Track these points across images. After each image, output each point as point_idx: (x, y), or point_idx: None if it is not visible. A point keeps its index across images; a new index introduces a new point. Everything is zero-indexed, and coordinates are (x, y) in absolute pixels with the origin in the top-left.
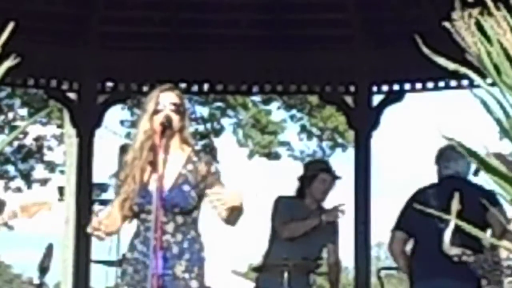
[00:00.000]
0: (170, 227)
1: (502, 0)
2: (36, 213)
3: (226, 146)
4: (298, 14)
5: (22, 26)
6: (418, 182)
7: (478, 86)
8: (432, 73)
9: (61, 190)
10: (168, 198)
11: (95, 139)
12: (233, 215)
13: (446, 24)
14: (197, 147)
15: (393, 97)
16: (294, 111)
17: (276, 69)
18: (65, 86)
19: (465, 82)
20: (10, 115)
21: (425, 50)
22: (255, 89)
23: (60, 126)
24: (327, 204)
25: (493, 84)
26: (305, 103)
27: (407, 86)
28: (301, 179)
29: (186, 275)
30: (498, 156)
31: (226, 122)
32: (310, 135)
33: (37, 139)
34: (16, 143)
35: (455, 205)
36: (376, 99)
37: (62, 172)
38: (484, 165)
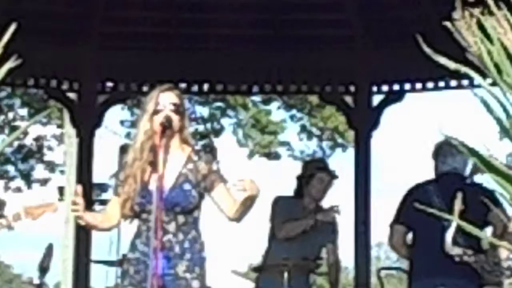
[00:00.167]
0: (171, 227)
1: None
2: (41, 215)
3: (226, 146)
4: (298, 14)
5: (22, 26)
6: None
7: (478, 86)
8: (432, 73)
9: (61, 190)
10: (169, 198)
11: (95, 139)
12: (247, 205)
13: (447, 23)
14: (197, 147)
15: (393, 97)
16: (294, 111)
17: (276, 69)
18: (65, 86)
19: (465, 82)
20: (10, 115)
21: (426, 49)
22: (255, 89)
23: (60, 126)
24: (326, 203)
25: (493, 84)
26: (305, 103)
27: (407, 86)
28: (299, 178)
29: (188, 275)
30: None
31: (226, 122)
32: (310, 135)
33: (37, 139)
34: (16, 143)
35: (457, 205)
36: (376, 99)
37: (62, 172)
38: (486, 164)
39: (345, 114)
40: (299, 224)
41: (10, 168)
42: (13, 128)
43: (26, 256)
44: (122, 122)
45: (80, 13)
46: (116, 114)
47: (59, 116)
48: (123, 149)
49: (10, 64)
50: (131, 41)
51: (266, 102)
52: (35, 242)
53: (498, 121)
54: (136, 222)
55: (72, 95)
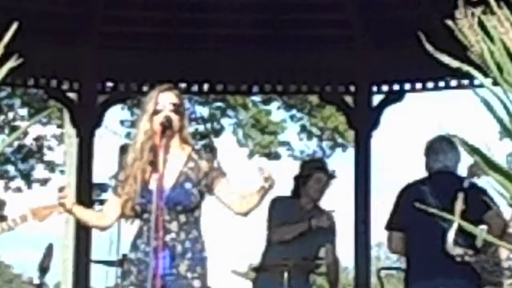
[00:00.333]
0: (173, 226)
1: None
2: (48, 216)
3: (226, 146)
4: (298, 14)
5: (22, 26)
6: None
7: (478, 86)
8: (432, 73)
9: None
10: (170, 197)
11: (95, 139)
12: (262, 196)
13: (449, 22)
14: (197, 147)
15: (393, 97)
16: (294, 111)
17: (276, 69)
18: (65, 86)
19: (465, 82)
20: (10, 115)
21: (429, 47)
22: (255, 89)
23: (60, 126)
24: (324, 204)
25: (494, 83)
26: (305, 103)
27: (407, 86)
28: (297, 178)
29: (189, 274)
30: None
31: (226, 122)
32: (310, 135)
33: (37, 139)
34: (16, 143)
35: (459, 205)
36: (376, 99)
37: (62, 172)
38: (487, 163)
39: (345, 114)
40: (294, 229)
41: (10, 168)
42: (13, 128)
43: (26, 256)
44: (122, 122)
45: (80, 13)
46: (116, 114)
47: (59, 116)
48: (123, 149)
49: (10, 64)
50: (131, 41)
51: (266, 102)
52: (35, 242)
53: (499, 120)
54: (137, 222)
55: (72, 95)
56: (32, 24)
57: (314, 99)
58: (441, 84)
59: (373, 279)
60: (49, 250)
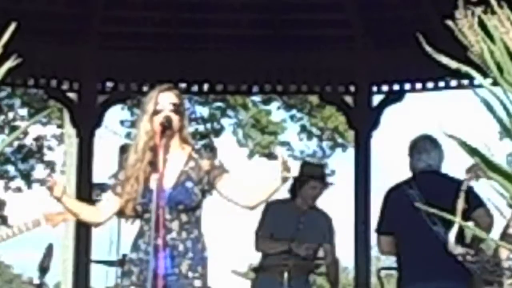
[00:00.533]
0: (175, 225)
1: None
2: (60, 222)
3: (226, 146)
4: (298, 14)
5: (22, 26)
6: None
7: (478, 86)
8: (432, 73)
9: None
10: (172, 196)
11: (95, 139)
12: (276, 190)
13: (449, 22)
14: (197, 147)
15: (393, 97)
16: (294, 111)
17: (276, 69)
18: (65, 86)
19: (465, 82)
20: (10, 115)
21: (428, 48)
22: (255, 89)
23: (60, 126)
24: (322, 204)
25: (494, 83)
26: (305, 103)
27: (407, 86)
28: (294, 179)
29: (190, 274)
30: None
31: (226, 122)
32: (310, 135)
33: (37, 139)
34: (16, 143)
35: (460, 204)
36: (376, 99)
37: (62, 172)
38: (487, 163)
39: (345, 114)
40: (276, 246)
41: (10, 168)
42: (13, 128)
43: (26, 256)
44: (122, 122)
45: (80, 13)
46: (116, 114)
47: (59, 116)
48: (123, 149)
49: (10, 64)
50: (131, 41)
51: (266, 102)
52: (35, 242)
53: (499, 120)
54: (137, 222)
55: (72, 95)
56: (32, 24)
57: (314, 99)
58: (441, 84)
59: (373, 279)
60: (49, 250)
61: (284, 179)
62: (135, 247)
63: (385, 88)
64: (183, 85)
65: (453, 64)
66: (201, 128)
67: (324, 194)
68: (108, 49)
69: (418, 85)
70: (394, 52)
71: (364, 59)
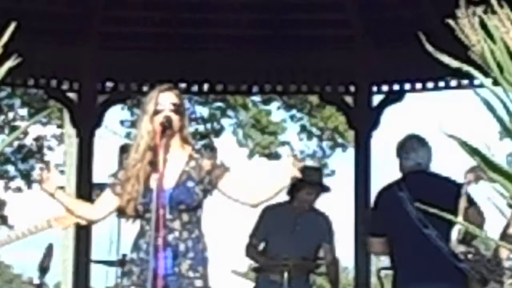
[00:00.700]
0: (176, 225)
1: None
2: (70, 225)
3: (226, 146)
4: (298, 14)
5: (22, 26)
6: None
7: (478, 86)
8: (432, 73)
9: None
10: (173, 196)
11: (95, 139)
12: (282, 189)
13: (450, 22)
14: (197, 147)
15: (393, 97)
16: (294, 111)
17: (276, 69)
18: (65, 86)
19: (465, 82)
20: (10, 115)
21: (429, 47)
22: (255, 89)
23: (60, 126)
24: (320, 204)
25: (495, 83)
26: (305, 103)
27: (407, 86)
28: (292, 182)
29: (191, 274)
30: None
31: (226, 122)
32: (310, 135)
33: (37, 139)
34: (16, 143)
35: (462, 203)
36: (376, 99)
37: (62, 172)
38: (487, 163)
39: (345, 114)
40: (259, 262)
41: (10, 168)
42: (13, 128)
43: (26, 256)
44: (122, 122)
45: (80, 13)
46: (116, 114)
47: (59, 116)
48: (123, 149)
49: (10, 64)
50: (131, 41)
51: (266, 102)
52: (35, 242)
53: (499, 120)
54: (138, 222)
55: (72, 95)
56: (32, 24)
57: (314, 99)
58: (441, 84)
59: (373, 279)
60: (49, 250)
61: (293, 179)
62: (136, 247)
63: (385, 88)
64: (183, 85)
65: (454, 64)
66: (201, 128)
67: (324, 194)
68: (108, 49)
69: (418, 85)
70: (394, 52)
71: (364, 59)
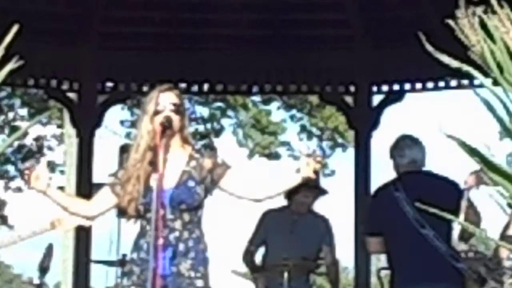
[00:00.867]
0: (177, 224)
1: None
2: (73, 226)
3: (226, 146)
4: (298, 14)
5: (22, 26)
6: None
7: (478, 86)
8: (432, 73)
9: (61, 190)
10: (174, 195)
11: (95, 139)
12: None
13: (450, 22)
14: (197, 147)
15: (393, 97)
16: (294, 111)
17: (276, 69)
18: (65, 86)
19: (465, 82)
20: (10, 115)
21: (429, 47)
22: (255, 89)
23: (60, 126)
24: (320, 204)
25: (495, 83)
26: (305, 103)
27: (407, 86)
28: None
29: (192, 274)
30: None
31: (226, 122)
32: (310, 135)
33: (37, 139)
34: (16, 143)
35: (464, 202)
36: (376, 99)
37: (62, 172)
38: (486, 164)
39: (345, 114)
40: (252, 270)
41: (10, 168)
42: (13, 128)
43: (26, 256)
44: (122, 122)
45: (80, 13)
46: (116, 114)
47: (59, 116)
48: (123, 149)
49: (11, 65)
50: (131, 41)
51: (266, 102)
52: (35, 242)
53: (499, 120)
54: (138, 222)
55: (72, 95)
56: (32, 24)
57: (314, 99)
58: (441, 84)
59: (373, 279)
60: (49, 250)
61: (304, 179)
62: (136, 247)
63: (385, 88)
64: (183, 85)
65: (454, 64)
66: (201, 128)
67: (324, 194)
68: (108, 49)
69: (418, 85)
70: (394, 52)
71: (364, 59)
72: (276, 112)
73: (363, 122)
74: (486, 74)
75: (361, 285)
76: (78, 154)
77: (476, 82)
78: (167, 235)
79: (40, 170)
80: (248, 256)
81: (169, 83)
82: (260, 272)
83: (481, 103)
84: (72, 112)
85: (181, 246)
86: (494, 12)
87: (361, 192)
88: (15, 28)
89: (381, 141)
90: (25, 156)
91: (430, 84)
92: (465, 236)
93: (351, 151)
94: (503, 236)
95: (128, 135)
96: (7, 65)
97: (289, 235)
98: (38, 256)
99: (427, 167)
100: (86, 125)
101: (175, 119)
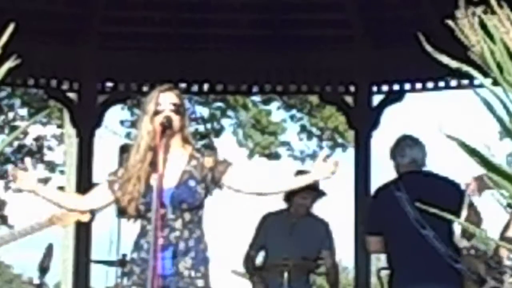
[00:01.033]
0: (178, 224)
1: None
2: (72, 222)
3: (226, 146)
4: (298, 14)
5: (22, 26)
6: None
7: (478, 86)
8: (432, 73)
9: (61, 190)
10: (175, 195)
11: (95, 139)
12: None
13: (449, 22)
14: (197, 147)
15: (393, 97)
16: (294, 111)
17: (276, 69)
18: (65, 86)
19: (465, 82)
20: (10, 115)
21: (429, 47)
22: (255, 89)
23: (60, 126)
24: (320, 204)
25: (494, 83)
26: (305, 103)
27: (407, 86)
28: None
29: (192, 273)
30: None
31: (226, 122)
32: (310, 135)
33: (37, 139)
34: (16, 143)
35: (466, 202)
36: (376, 99)
37: (62, 172)
38: (486, 164)
39: (345, 114)
40: (252, 275)
41: (10, 168)
42: (13, 128)
43: (26, 256)
44: (122, 122)
45: (80, 13)
46: (116, 114)
47: (59, 116)
48: (123, 149)
49: (9, 64)
50: (131, 41)
51: (266, 102)
52: (35, 242)
53: (499, 120)
54: (138, 222)
55: (72, 95)
56: (32, 24)
57: (314, 99)
58: (441, 84)
59: (373, 279)
60: (49, 250)
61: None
62: (137, 246)
63: (385, 88)
64: (183, 85)
65: (454, 64)
66: (201, 128)
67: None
68: (108, 49)
69: (418, 85)
70: (394, 52)
71: (364, 59)
72: (276, 112)
73: (363, 122)
74: (486, 74)
75: (361, 285)
76: (78, 154)
77: (476, 82)
78: (168, 234)
79: (23, 170)
80: (249, 261)
81: (169, 83)
82: (261, 272)
83: (481, 103)
84: (72, 112)
85: (182, 246)
86: (493, 12)
87: (361, 192)
88: (13, 28)
89: (381, 141)
90: (25, 156)
91: (430, 84)
92: (466, 235)
93: (351, 151)
94: (503, 237)
95: (128, 135)
96: (6, 64)
97: (288, 236)
98: (38, 256)
99: (427, 167)
100: (86, 125)
101: (175, 119)
